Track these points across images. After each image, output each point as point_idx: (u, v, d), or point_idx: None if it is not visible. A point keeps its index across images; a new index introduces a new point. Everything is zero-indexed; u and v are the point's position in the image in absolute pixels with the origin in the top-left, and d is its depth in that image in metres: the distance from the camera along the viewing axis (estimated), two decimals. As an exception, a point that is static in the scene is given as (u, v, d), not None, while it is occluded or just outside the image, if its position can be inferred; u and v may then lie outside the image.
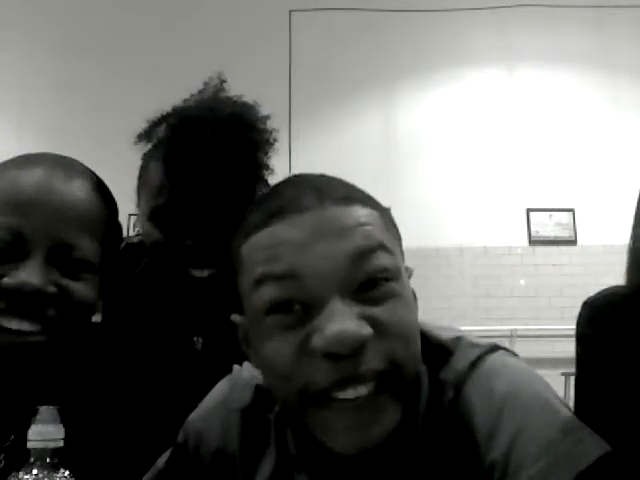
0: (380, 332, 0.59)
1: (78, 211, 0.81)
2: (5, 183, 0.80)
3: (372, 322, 0.59)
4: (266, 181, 1.09)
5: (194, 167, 0.99)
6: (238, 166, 1.02)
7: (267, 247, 0.61)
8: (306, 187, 0.64)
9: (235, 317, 0.70)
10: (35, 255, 0.76)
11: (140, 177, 1.10)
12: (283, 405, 0.68)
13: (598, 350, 0.78)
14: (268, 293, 0.61)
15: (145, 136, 1.09)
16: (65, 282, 0.78)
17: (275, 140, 1.10)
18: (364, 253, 0.60)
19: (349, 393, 0.58)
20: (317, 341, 0.58)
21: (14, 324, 0.75)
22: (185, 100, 1.08)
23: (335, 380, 0.58)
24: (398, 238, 0.68)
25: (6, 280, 0.75)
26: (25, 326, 0.75)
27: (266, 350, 0.62)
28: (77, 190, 0.82)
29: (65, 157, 0.88)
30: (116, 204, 0.90)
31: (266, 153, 1.08)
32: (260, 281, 0.61)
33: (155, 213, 1.03)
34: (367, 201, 0.66)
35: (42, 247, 0.77)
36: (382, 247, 0.62)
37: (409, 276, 0.68)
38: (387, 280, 0.61)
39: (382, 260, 0.61)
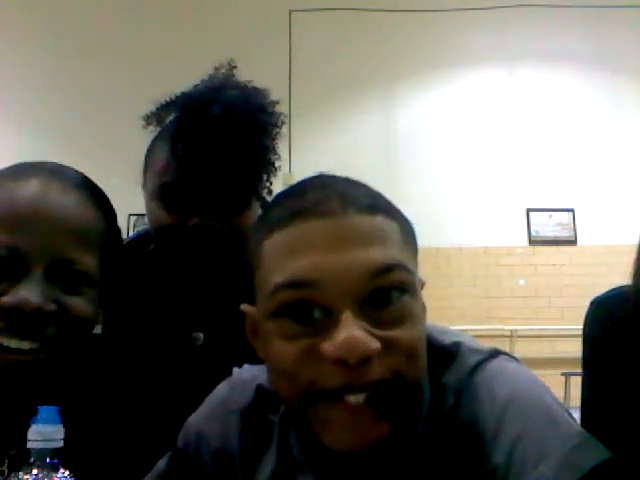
0: (388, 349, 0.60)
1: (76, 224, 0.79)
2: (0, 197, 0.77)
3: (382, 342, 0.60)
4: (273, 164, 1.09)
5: (201, 143, 1.00)
6: (244, 145, 1.03)
7: (288, 251, 0.62)
8: (330, 191, 0.65)
9: (245, 307, 0.70)
10: (34, 272, 0.75)
11: (146, 159, 1.10)
12: (285, 402, 0.68)
13: (609, 352, 0.77)
14: (285, 296, 0.62)
15: (154, 118, 1.10)
16: (65, 299, 0.76)
17: (283, 123, 1.11)
18: (383, 270, 0.61)
19: (352, 398, 0.59)
20: (327, 347, 0.59)
21: (14, 343, 0.74)
22: (195, 85, 1.09)
23: (345, 384, 0.59)
24: (415, 251, 0.69)
25: (5, 299, 0.73)
26: (25, 345, 0.74)
27: (274, 348, 0.63)
28: (74, 203, 0.80)
29: (61, 166, 0.86)
30: (114, 212, 0.88)
31: (273, 137, 1.09)
32: (278, 285, 0.62)
33: (162, 190, 1.04)
34: (390, 211, 0.67)
35: (41, 263, 0.75)
36: (401, 266, 0.63)
37: (421, 287, 0.69)
38: (402, 293, 0.62)
39: (399, 276, 0.62)
